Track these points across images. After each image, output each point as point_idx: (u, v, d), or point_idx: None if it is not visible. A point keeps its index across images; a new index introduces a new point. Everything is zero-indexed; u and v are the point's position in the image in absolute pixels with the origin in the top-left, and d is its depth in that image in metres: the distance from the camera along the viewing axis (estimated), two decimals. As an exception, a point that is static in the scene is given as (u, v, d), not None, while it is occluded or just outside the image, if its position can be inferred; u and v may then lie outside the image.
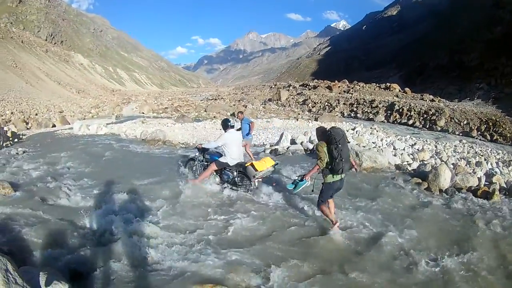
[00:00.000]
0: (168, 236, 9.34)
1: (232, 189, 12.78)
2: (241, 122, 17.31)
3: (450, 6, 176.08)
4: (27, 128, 45.21)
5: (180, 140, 27.45)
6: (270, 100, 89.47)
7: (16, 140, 30.49)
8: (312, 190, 10.23)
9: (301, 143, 21.86)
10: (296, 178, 10.38)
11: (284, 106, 79.23)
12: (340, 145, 9.14)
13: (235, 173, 12.80)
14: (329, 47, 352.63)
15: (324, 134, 9.52)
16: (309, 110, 70.12)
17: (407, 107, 55.75)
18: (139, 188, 13.33)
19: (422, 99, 68.17)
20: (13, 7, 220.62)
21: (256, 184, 12.52)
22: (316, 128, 10.18)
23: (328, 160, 9.32)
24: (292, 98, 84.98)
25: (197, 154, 14.55)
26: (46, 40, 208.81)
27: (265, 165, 12.51)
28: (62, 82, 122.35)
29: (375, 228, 9.61)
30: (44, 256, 8.01)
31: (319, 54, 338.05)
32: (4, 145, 26.61)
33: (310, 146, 20.16)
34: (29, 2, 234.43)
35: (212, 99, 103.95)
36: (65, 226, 9.66)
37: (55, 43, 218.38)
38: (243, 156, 13.47)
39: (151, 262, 8.11)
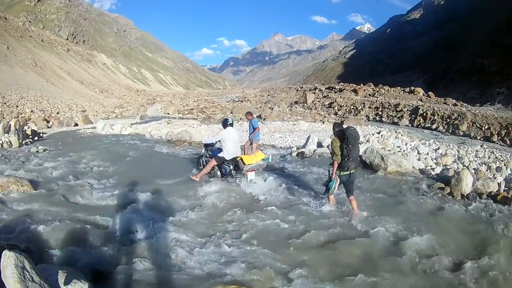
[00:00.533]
0: (192, 236, 9.35)
1: (228, 181, 14.15)
2: (249, 123, 18.76)
3: (471, 10, 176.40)
4: (48, 127, 45.61)
5: (205, 141, 26.94)
6: (296, 102, 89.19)
7: (36, 138, 30.52)
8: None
9: (328, 146, 21.57)
10: (325, 182, 11.15)
11: (310, 109, 78.43)
12: (350, 146, 10.20)
13: (231, 167, 14.25)
14: (354, 50, 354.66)
15: (339, 132, 10.58)
16: (335, 113, 69.54)
17: (431, 111, 55.23)
18: (163, 188, 13.43)
19: (445, 103, 67.74)
20: (31, 6, 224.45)
21: (250, 177, 13.72)
22: (334, 123, 11.35)
23: (339, 157, 10.39)
24: (318, 101, 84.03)
25: (203, 151, 16.32)
26: (67, 39, 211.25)
27: (254, 159, 13.92)
28: (84, 82, 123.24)
29: (398, 232, 9.57)
30: (63, 255, 7.94)
31: (344, 57, 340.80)
32: (23, 142, 26.68)
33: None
34: (48, 1, 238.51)
35: (238, 101, 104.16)
36: (86, 225, 9.63)
37: (76, 43, 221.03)
38: (240, 152, 15.00)
39: (174, 262, 8.07)
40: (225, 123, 14.97)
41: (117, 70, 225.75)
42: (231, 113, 64.30)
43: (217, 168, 14.71)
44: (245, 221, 10.35)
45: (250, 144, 19.09)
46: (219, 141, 14.76)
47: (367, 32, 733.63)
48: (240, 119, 50.32)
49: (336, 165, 10.48)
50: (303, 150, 21.52)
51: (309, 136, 23.96)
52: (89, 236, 8.95)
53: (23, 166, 17.81)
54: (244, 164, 13.67)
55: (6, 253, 5.34)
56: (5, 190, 12.23)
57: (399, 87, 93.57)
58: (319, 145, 22.95)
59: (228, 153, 14.30)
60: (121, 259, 7.99)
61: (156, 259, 8.05)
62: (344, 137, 10.27)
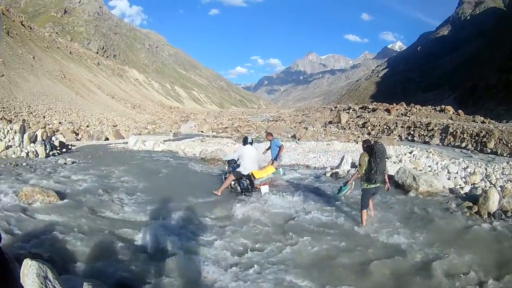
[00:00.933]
0: (223, 255, 9.30)
1: (245, 195, 15.12)
2: (270, 143, 18.94)
3: (497, 24, 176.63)
4: (77, 139, 46.19)
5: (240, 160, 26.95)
6: (330, 122, 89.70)
7: (64, 150, 30.76)
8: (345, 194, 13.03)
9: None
10: (341, 184, 13.01)
11: (344, 128, 78.93)
12: (378, 159, 11.17)
13: (248, 182, 15.24)
14: (387, 69, 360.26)
15: (368, 147, 11.67)
16: (368, 133, 69.85)
17: (460, 130, 55.62)
18: (196, 206, 13.59)
19: (474, 120, 68.95)
20: (57, 17, 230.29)
21: (264, 191, 14.79)
22: (363, 140, 12.86)
23: (367, 169, 11.41)
24: (352, 121, 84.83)
25: (226, 168, 17.27)
26: (97, 53, 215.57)
27: (264, 173, 15.29)
28: (116, 96, 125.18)
29: (428, 253, 9.58)
30: (88, 267, 7.90)
31: (377, 76, 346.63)
32: (50, 153, 26.68)
33: None
34: (75, 14, 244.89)
35: (272, 120, 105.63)
36: (115, 239, 9.63)
37: (107, 57, 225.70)
38: (257, 168, 15.79)
39: (204, 281, 8.07)
40: (245, 141, 16.02)
41: (150, 86, 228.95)
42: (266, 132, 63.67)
43: (236, 183, 15.54)
44: (277, 241, 10.37)
45: (272, 164, 18.35)
46: (238, 157, 15.83)
47: (398, 50, 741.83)
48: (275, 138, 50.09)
49: (356, 175, 12.00)
50: (337, 170, 21.54)
51: (343, 157, 24.05)
52: (117, 250, 8.90)
53: (49, 177, 17.77)
54: (255, 178, 15.00)
55: (27, 261, 5.33)
56: (29, 199, 12.17)
57: (430, 106, 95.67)
58: (353, 165, 22.66)
59: (245, 169, 15.22)
60: (149, 274, 7.94)
61: (184, 276, 7.96)
62: (373, 151, 11.28)
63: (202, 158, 27.86)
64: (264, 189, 14.82)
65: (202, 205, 13.84)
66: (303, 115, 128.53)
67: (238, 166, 15.68)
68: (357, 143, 46.60)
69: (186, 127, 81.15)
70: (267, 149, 19.33)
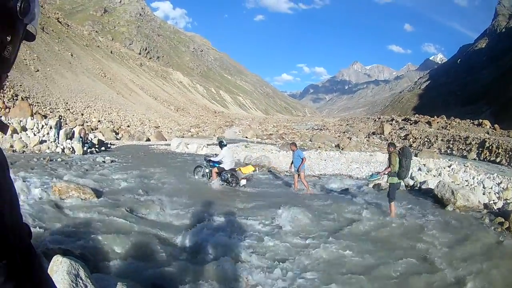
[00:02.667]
0: (264, 261, 9.21)
1: (226, 185, 18.86)
2: (293, 153, 19.56)
3: None
4: (117, 139, 47.37)
5: (284, 167, 27.29)
6: (374, 133, 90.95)
7: (103, 148, 31.55)
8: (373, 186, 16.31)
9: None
10: (374, 172, 15.93)
11: (387, 140, 77.57)
12: (408, 159, 13.78)
13: (228, 175, 19.18)
14: (429, 81, 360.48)
15: (399, 150, 14.14)
16: (410, 146, 70.25)
17: (496, 144, 55.82)
18: (237, 211, 13.70)
19: (509, 135, 69.28)
20: (97, 16, 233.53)
21: (243, 183, 18.92)
22: (389, 143, 15.21)
23: (398, 167, 13.74)
24: (395, 132, 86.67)
25: (204, 163, 20.81)
26: (139, 53, 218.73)
27: (248, 170, 19.94)
28: (158, 98, 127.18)
29: (459, 267, 9.56)
30: (123, 266, 7.87)
31: (419, 88, 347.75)
32: (88, 151, 27.23)
33: (411, 182, 21.38)
34: (116, 13, 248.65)
35: (317, 129, 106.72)
36: (152, 239, 9.52)
37: (150, 58, 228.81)
38: (234, 164, 20.13)
39: (240, 286, 8.03)
40: (221, 145, 20.21)
41: (194, 89, 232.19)
42: (310, 141, 64.88)
43: (219, 175, 19.28)
44: (319, 250, 10.12)
45: (298, 176, 19.09)
46: (221, 159, 19.55)
47: (440, 62, 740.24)
48: (319, 147, 51.41)
49: (388, 170, 14.03)
50: (379, 182, 21.23)
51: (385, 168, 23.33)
52: (154, 251, 8.89)
53: (86, 174, 18.10)
54: (243, 173, 19.28)
55: (58, 258, 5.40)
56: (63, 195, 12.22)
57: (469, 120, 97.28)
58: (398, 185, 22.12)
59: (227, 165, 19.32)
60: (186, 277, 7.85)
61: (223, 280, 7.92)
62: (403, 153, 13.85)
63: (246, 164, 27.33)
64: (243, 182, 19.00)
65: (245, 210, 13.98)
66: (347, 125, 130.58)
67: (219, 162, 19.50)
68: None
69: (230, 132, 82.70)
70: (292, 163, 19.57)
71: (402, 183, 18.97)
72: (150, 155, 31.03)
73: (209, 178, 19.54)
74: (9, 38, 1.43)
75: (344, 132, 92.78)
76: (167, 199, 14.49)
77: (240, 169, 19.46)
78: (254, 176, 23.29)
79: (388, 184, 14.63)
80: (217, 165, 19.42)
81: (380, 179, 15.70)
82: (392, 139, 77.09)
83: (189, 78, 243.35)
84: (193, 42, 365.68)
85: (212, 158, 20.43)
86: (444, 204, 15.74)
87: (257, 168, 23.15)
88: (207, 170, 19.99)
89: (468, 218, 14.19)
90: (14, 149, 23.19)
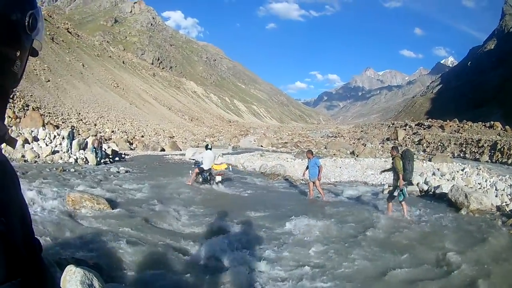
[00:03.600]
0: (280, 270, 9.16)
1: (205, 184, 21.19)
2: (308, 161, 19.37)
3: None
4: (131, 149, 47.73)
5: (300, 176, 26.79)
6: (388, 139, 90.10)
7: (117, 158, 31.97)
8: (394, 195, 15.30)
9: (417, 184, 22.82)
10: (398, 192, 14.91)
11: (401, 145, 76.54)
12: (410, 161, 14.59)
13: (206, 174, 21.42)
14: (440, 85, 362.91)
15: (401, 153, 15.01)
16: (424, 150, 71.24)
17: (507, 146, 55.95)
18: (253, 220, 13.72)
19: None
20: (107, 26, 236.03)
21: (218, 179, 21.44)
22: (392, 146, 16.38)
23: (402, 170, 14.45)
24: (409, 138, 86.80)
25: (192, 165, 23.14)
26: (152, 63, 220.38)
27: (220, 167, 22.42)
28: (173, 108, 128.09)
29: (473, 269, 9.56)
30: (138, 276, 7.94)
31: (432, 92, 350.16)
32: (102, 161, 27.37)
33: (425, 187, 21.68)
34: (127, 23, 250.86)
35: (332, 137, 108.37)
36: (167, 249, 9.54)
37: (163, 68, 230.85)
38: (212, 164, 21.86)
39: None
40: (206, 147, 22.72)
41: (208, 99, 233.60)
42: (325, 148, 65.51)
43: (200, 175, 21.52)
44: (336, 257, 10.17)
45: (313, 184, 18.93)
46: (200, 159, 21.98)
47: (451, 65, 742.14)
48: (334, 154, 51.85)
49: (402, 177, 14.50)
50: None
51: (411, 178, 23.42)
52: (169, 261, 8.90)
53: (100, 184, 18.24)
54: (215, 170, 21.75)
55: (71, 267, 5.45)
56: (76, 205, 12.25)
57: (481, 122, 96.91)
58: (409, 183, 21.26)
59: (206, 165, 21.32)
60: (202, 287, 7.96)
61: None
62: (405, 156, 14.68)
63: (262, 172, 28.39)
64: (218, 178, 21.57)
65: (261, 219, 13.99)
66: (361, 131, 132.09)
67: (201, 164, 21.52)
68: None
69: (246, 141, 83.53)
70: (306, 169, 19.39)
71: (416, 188, 21.60)
72: (165, 165, 31.29)
73: (209, 182, 21.51)
74: (18, 54, 1.48)
75: (358, 139, 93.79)
76: (182, 209, 14.62)
77: (213, 166, 21.80)
78: (270, 184, 24.02)
79: (398, 192, 14.85)
80: (198, 166, 21.68)
81: (406, 189, 15.15)
82: (406, 145, 78.30)
83: (202, 87, 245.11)
84: (206, 51, 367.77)
85: (195, 158, 24.32)
86: (458, 207, 16.11)
87: (229, 166, 25.19)
88: (206, 174, 21.63)
89: (481, 221, 14.43)
90: (26, 159, 23.37)
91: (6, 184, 1.27)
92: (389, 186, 22.21)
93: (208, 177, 21.49)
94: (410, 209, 15.72)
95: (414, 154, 59.94)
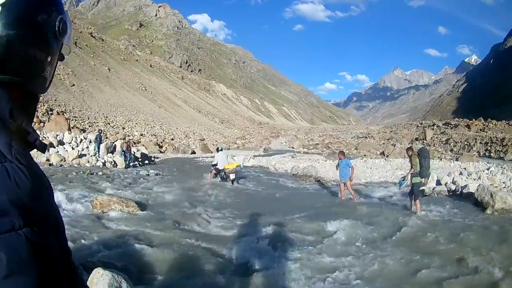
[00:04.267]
0: (311, 271, 9.08)
1: (223, 182, 23.02)
2: (339, 162, 19.34)
3: None
4: (161, 152, 48.12)
5: (331, 177, 26.99)
6: (417, 139, 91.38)
7: (146, 161, 32.27)
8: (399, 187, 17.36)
9: (445, 184, 22.53)
10: (400, 179, 16.95)
11: (429, 145, 79.10)
12: (426, 159, 15.45)
13: (223, 173, 23.44)
14: (465, 84, 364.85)
15: (418, 151, 15.98)
16: (451, 150, 71.52)
17: None
18: (285, 222, 13.62)
19: None
20: (132, 30, 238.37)
21: (232, 177, 22.88)
22: (407, 147, 17.75)
23: (419, 167, 15.33)
24: (436, 137, 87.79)
25: (211, 168, 24.35)
26: (180, 67, 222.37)
27: (232, 166, 23.76)
28: (202, 110, 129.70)
29: (498, 269, 9.27)
30: (168, 279, 7.92)
31: (457, 91, 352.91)
32: (131, 164, 27.75)
33: (453, 187, 21.39)
34: (152, 27, 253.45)
35: (362, 137, 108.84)
36: (198, 251, 9.60)
37: (191, 71, 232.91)
38: (225, 164, 23.72)
39: None
40: (217, 149, 26.30)
41: (239, 101, 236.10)
42: (356, 149, 65.79)
43: (218, 175, 23.69)
44: (366, 258, 10.09)
45: (344, 185, 18.98)
46: (216, 160, 24.06)
47: (474, 64, 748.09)
48: (364, 155, 52.33)
49: (412, 171, 15.52)
50: (423, 188, 20.94)
51: (429, 174, 22.78)
52: (200, 264, 8.93)
53: (129, 187, 18.37)
54: (227, 169, 23.29)
55: (99, 270, 5.51)
56: (105, 208, 12.31)
57: (504, 120, 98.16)
58: (438, 183, 23.30)
59: (220, 166, 23.35)
60: None
61: None
62: (422, 154, 15.63)
63: (293, 174, 28.25)
64: (232, 176, 23.02)
65: (293, 221, 13.91)
66: (391, 131, 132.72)
67: (217, 165, 23.54)
68: (440, 160, 46.57)
69: (277, 143, 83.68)
70: (337, 168, 19.61)
71: (444, 188, 21.67)
72: (196, 168, 31.48)
73: (227, 180, 23.54)
74: (49, 59, 1.51)
75: (388, 139, 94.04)
76: (213, 211, 14.74)
77: (225, 166, 23.65)
78: (301, 186, 24.17)
79: (412, 184, 15.74)
80: (215, 167, 23.88)
81: (407, 182, 16.50)
82: (434, 144, 79.79)
83: (232, 90, 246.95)
84: (234, 54, 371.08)
85: (212, 161, 26.15)
86: (484, 207, 15.96)
87: (241, 164, 28.41)
88: (222, 173, 23.80)
89: (505, 221, 14.21)
90: (51, 162, 23.50)
91: (42, 196, 1.29)
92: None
93: (224, 176, 23.65)
94: (438, 209, 16.10)
95: (442, 153, 62.02)
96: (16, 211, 1.15)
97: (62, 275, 1.29)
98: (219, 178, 23.70)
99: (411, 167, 15.67)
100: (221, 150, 25.27)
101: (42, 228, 1.22)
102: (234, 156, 37.97)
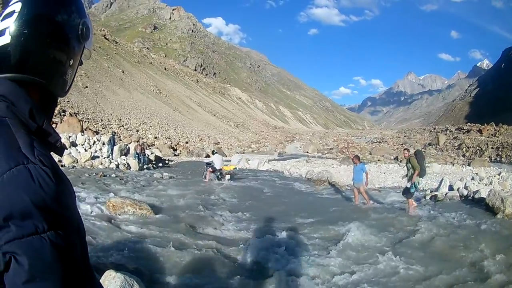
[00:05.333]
0: (325, 275, 9.17)
1: (219, 181, 25.16)
2: (354, 166, 19.64)
3: None
4: (175, 155, 48.62)
5: (345, 182, 27.28)
6: (430, 144, 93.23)
7: (160, 164, 32.63)
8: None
9: (458, 189, 22.53)
10: (411, 184, 16.30)
11: (442, 150, 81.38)
12: (423, 160, 16.76)
13: (218, 173, 25.92)
14: (478, 89, 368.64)
15: (414, 153, 16.82)
16: (463, 155, 71.99)
17: None
18: (299, 226, 13.78)
19: None
20: (146, 33, 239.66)
21: (227, 178, 25.81)
22: (404, 148, 18.97)
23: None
24: (449, 142, 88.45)
25: (205, 166, 27.19)
26: (195, 70, 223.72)
27: (229, 168, 27.81)
28: (217, 114, 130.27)
29: (505, 277, 9.20)
30: (180, 281, 7.91)
31: (470, 96, 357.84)
32: (144, 167, 28.06)
33: (465, 192, 21.32)
34: (167, 30, 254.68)
35: (376, 142, 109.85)
36: (211, 254, 9.63)
37: (206, 74, 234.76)
38: (222, 166, 26.62)
39: None
40: (213, 152, 29.45)
41: (253, 105, 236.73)
42: (370, 154, 66.31)
43: (213, 174, 25.89)
44: (379, 263, 10.09)
45: (358, 190, 19.15)
46: (212, 161, 26.65)
47: (486, 68, 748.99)
48: (378, 160, 52.69)
49: (417, 173, 16.01)
50: (436, 193, 22.46)
51: (442, 179, 25.14)
52: (214, 266, 9.03)
53: (143, 190, 18.47)
54: (225, 170, 26.45)
55: (111, 272, 5.60)
56: (118, 210, 12.37)
57: None
58: (450, 188, 23.50)
59: (217, 166, 25.98)
60: None
61: None
62: (418, 156, 16.57)
63: (308, 178, 28.51)
64: (227, 177, 25.98)
65: (306, 225, 14.01)
66: (404, 137, 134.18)
67: (214, 165, 26.03)
68: (453, 165, 48.50)
69: (291, 147, 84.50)
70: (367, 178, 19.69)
71: (457, 193, 21.65)
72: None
73: (221, 180, 25.87)
74: (70, 62, 1.57)
75: (402, 144, 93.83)
76: (227, 214, 14.75)
77: (222, 167, 26.69)
78: (315, 190, 24.27)
79: (413, 184, 16.33)
80: (211, 166, 26.25)
81: (417, 183, 16.91)
82: (447, 149, 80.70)
83: (247, 94, 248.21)
84: (249, 57, 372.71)
85: (207, 161, 30.40)
86: (495, 212, 15.73)
87: (236, 167, 32.21)
88: (218, 173, 26.34)
89: None
90: (63, 164, 23.51)
91: (66, 199, 1.32)
92: (431, 191, 23.96)
93: (219, 175, 26.11)
94: (450, 214, 15.77)
95: (454, 159, 63.01)
96: (40, 214, 1.17)
97: (85, 279, 1.32)
98: (215, 177, 26.00)
99: (414, 169, 16.20)
100: (216, 153, 28.50)
101: (67, 231, 1.26)
102: (243, 158, 40.89)
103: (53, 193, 1.24)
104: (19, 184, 1.18)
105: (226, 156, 50.94)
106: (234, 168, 28.80)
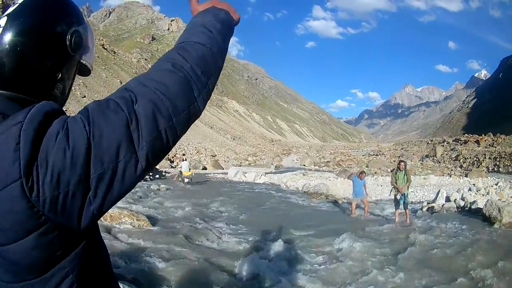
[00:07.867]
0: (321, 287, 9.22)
1: (184, 183, 29.14)
2: (356, 180, 19.93)
3: None
4: (172, 167, 49.31)
5: (342, 194, 27.39)
6: (427, 156, 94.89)
7: (157, 176, 33.14)
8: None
9: (454, 201, 22.68)
10: (401, 195, 16.89)
11: (439, 162, 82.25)
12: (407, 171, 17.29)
13: (183, 177, 30.07)
14: (475, 99, 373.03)
15: (400, 164, 17.55)
16: (461, 166, 72.48)
17: None
18: (296, 239, 13.82)
19: None
20: (144, 44, 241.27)
21: (186, 180, 29.84)
22: (400, 160, 19.94)
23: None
24: (446, 154, 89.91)
25: (179, 171, 31.79)
26: None
27: (187, 173, 30.41)
28: (214, 127, 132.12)
29: (505, 286, 9.42)
30: None
31: (467, 107, 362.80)
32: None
33: (462, 203, 21.40)
34: (165, 41, 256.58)
35: (373, 155, 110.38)
36: (208, 266, 9.61)
37: None
38: (186, 171, 30.25)
39: None
40: (183, 160, 35.60)
41: (251, 118, 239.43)
42: (367, 166, 66.14)
43: (181, 178, 30.13)
44: (375, 275, 10.07)
45: (361, 203, 19.83)
46: (181, 166, 31.39)
47: (484, 78, 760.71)
48: (375, 173, 53.12)
49: (407, 185, 16.92)
50: (432, 205, 22.41)
51: (439, 191, 25.10)
52: (211, 278, 8.92)
53: (140, 201, 18.57)
54: (184, 175, 30.04)
55: None
56: (115, 221, 12.41)
57: None
58: (447, 199, 23.64)
59: (183, 171, 30.15)
60: None
61: None
62: (406, 167, 17.33)
63: (305, 191, 28.51)
64: (186, 180, 29.73)
65: (303, 237, 14.04)
66: (402, 149, 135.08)
67: (180, 171, 30.72)
68: (450, 176, 48.58)
69: (288, 160, 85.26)
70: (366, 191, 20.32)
71: (454, 204, 21.65)
72: (207, 184, 32.49)
73: (184, 182, 29.76)
74: (58, 75, 1.46)
75: (398, 157, 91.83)
76: (224, 226, 14.87)
77: (181, 172, 30.98)
78: (312, 203, 24.10)
79: (403, 195, 16.86)
80: (179, 172, 31.88)
81: (406, 193, 17.27)
82: (444, 161, 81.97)
83: (245, 106, 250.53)
84: (247, 70, 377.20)
85: (179, 168, 34.89)
86: (492, 222, 16.10)
87: (193, 172, 33.53)
88: (183, 177, 30.46)
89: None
90: None
91: None
92: (428, 203, 23.80)
93: (185, 181, 30.07)
94: (447, 225, 16.16)
95: (451, 170, 63.91)
96: None
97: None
98: (180, 179, 30.82)
99: (408, 181, 16.89)
100: (185, 160, 34.93)
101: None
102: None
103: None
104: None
105: (223, 169, 52.19)
106: (190, 174, 31.42)
